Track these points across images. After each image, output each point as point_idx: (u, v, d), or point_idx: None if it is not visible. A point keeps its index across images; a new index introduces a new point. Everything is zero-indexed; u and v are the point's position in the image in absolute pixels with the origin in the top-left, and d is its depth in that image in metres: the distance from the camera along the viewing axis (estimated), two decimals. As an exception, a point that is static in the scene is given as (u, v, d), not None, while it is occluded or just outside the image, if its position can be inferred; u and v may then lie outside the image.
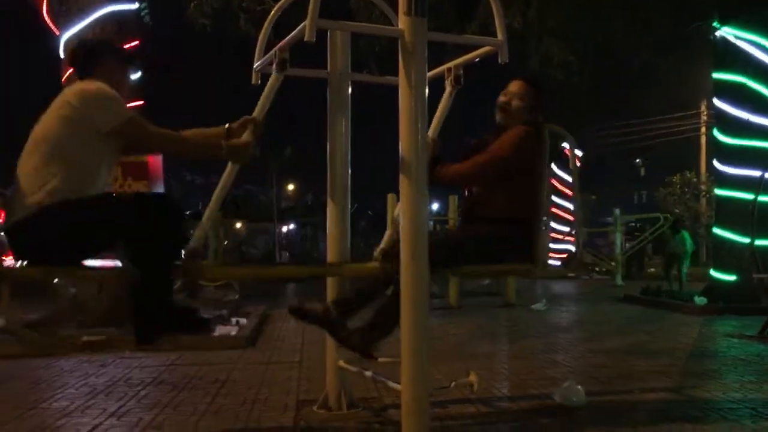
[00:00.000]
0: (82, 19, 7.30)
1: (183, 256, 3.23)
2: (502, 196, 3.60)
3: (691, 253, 12.91)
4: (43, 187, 3.03)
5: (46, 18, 7.72)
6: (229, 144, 3.25)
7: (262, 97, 3.54)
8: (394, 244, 3.36)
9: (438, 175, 3.59)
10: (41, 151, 3.09)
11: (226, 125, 3.46)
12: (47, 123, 3.15)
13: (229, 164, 3.46)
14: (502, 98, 3.73)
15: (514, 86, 3.74)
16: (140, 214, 3.03)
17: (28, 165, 3.11)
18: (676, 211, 23.96)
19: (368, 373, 3.61)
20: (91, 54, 3.31)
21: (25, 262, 3.19)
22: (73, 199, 3.03)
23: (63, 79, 7.41)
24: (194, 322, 3.28)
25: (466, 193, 3.90)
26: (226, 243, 23.29)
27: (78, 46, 3.52)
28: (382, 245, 3.82)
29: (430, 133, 3.67)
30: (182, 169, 43.39)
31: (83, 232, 3.03)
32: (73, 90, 3.16)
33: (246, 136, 3.38)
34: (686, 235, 13.38)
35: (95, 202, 3.09)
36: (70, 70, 7.23)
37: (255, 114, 3.49)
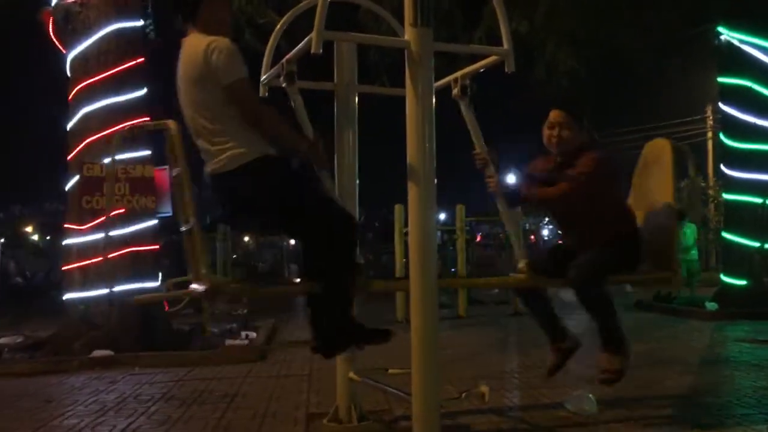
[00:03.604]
0: (89, 36, 7.34)
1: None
2: (610, 216, 3.73)
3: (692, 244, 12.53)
4: (226, 150, 3.04)
5: (53, 37, 7.77)
6: (310, 147, 3.26)
7: (299, 118, 3.60)
8: (537, 258, 3.85)
9: (529, 194, 3.73)
10: (204, 114, 3.07)
11: None
12: (190, 86, 3.10)
13: None
14: (548, 131, 3.72)
15: (555, 116, 3.71)
16: (337, 227, 3.08)
17: (203, 129, 3.09)
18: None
19: (379, 385, 3.60)
20: None
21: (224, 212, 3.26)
22: (271, 156, 3.07)
23: (69, 98, 7.45)
24: (373, 331, 3.27)
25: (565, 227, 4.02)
26: (235, 257, 23.37)
27: None
28: (526, 260, 3.79)
29: (478, 149, 3.74)
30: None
31: (282, 199, 3.06)
32: (203, 45, 3.05)
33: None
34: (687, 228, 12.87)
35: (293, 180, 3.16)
36: (81, 84, 7.29)
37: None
